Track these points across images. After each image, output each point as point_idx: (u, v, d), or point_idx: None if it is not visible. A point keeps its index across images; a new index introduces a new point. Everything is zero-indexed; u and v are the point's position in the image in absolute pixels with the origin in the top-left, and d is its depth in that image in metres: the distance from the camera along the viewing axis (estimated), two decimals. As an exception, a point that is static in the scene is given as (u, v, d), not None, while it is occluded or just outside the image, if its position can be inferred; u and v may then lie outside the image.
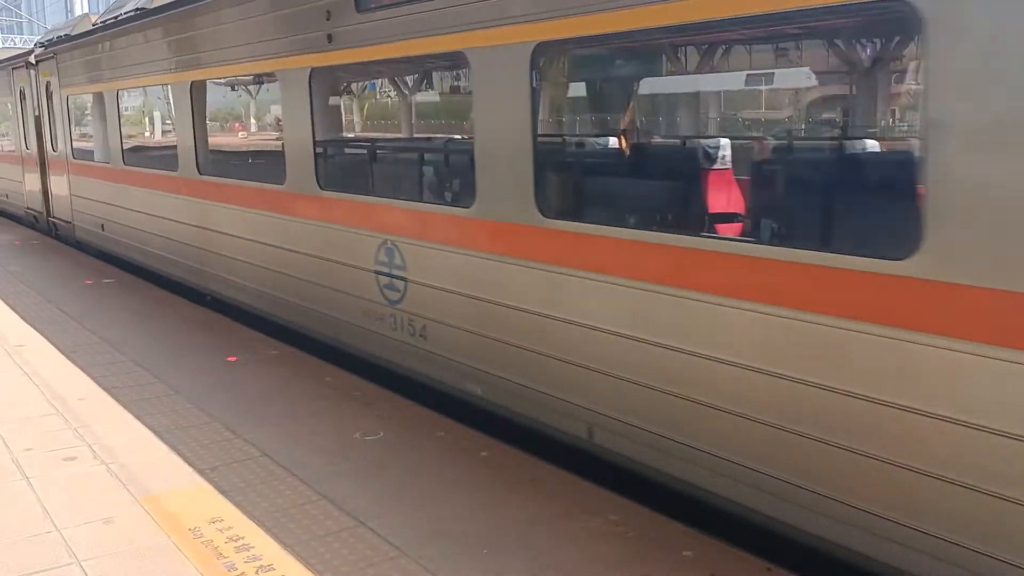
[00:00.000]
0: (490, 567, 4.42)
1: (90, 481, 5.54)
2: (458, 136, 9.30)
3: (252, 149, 12.13)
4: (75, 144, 15.30)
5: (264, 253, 9.10)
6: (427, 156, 8.63)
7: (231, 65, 9.52)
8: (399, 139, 11.06)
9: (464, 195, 6.47)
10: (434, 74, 9.85)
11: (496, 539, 4.71)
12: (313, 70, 7.88)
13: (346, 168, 9.01)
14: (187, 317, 10.08)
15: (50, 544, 4.72)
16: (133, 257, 13.05)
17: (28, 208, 18.94)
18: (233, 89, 11.54)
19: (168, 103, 11.57)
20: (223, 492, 5.33)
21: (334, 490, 5.35)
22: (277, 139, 9.57)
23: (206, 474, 5.61)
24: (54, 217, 16.94)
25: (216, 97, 11.54)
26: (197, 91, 10.51)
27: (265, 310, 9.36)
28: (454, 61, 7.29)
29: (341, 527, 4.87)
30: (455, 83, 9.55)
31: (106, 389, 7.37)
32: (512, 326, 5.97)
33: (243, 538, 4.74)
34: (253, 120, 12.60)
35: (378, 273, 7.26)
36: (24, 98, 18.34)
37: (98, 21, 14.30)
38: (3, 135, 21.37)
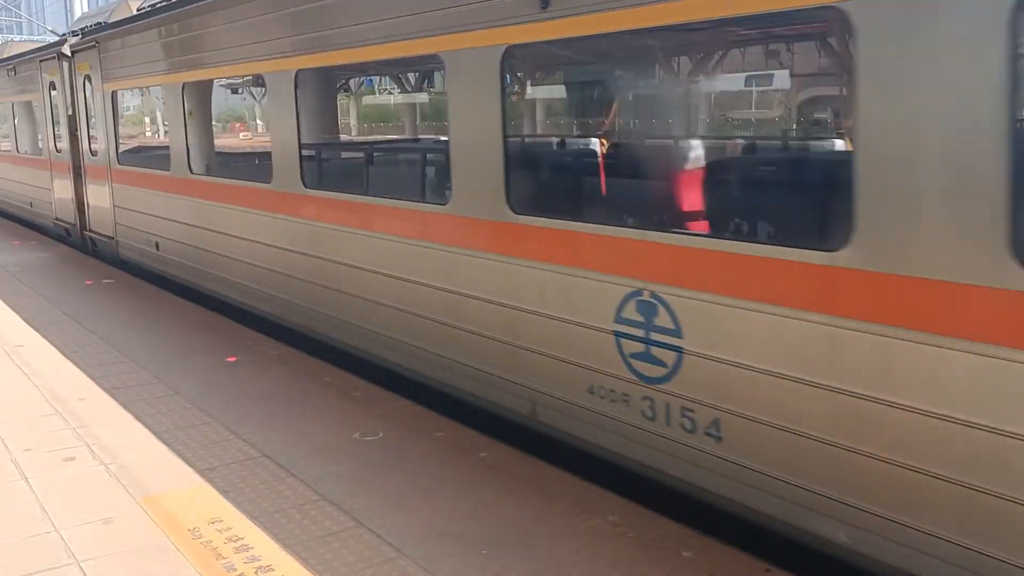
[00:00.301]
0: (490, 567, 4.43)
1: (89, 481, 5.54)
2: (786, 137, 6.42)
3: (377, 156, 9.60)
4: (121, 148, 13.00)
5: (408, 293, 6.95)
6: (728, 164, 6.29)
7: (362, 47, 7.10)
8: (664, 139, 8.00)
9: (819, 228, 4.53)
10: (748, 41, 6.56)
11: (496, 539, 4.71)
12: (509, 49, 5.79)
13: (563, 185, 6.72)
14: (187, 317, 10.07)
15: (49, 544, 4.72)
16: (204, 285, 10.79)
17: (57, 219, 16.47)
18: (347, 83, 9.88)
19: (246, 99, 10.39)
20: (222, 492, 5.33)
21: (333, 490, 5.35)
22: (420, 143, 8.02)
23: (206, 474, 5.61)
24: (91, 231, 14.65)
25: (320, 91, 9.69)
26: (304, 83, 8.37)
27: (405, 365, 7.27)
28: (807, 19, 4.84)
29: (340, 527, 4.87)
30: (793, 54, 6.39)
31: (106, 389, 7.37)
32: (942, 447, 3.71)
33: (242, 538, 4.73)
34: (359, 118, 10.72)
35: (622, 336, 5.10)
36: (54, 94, 15.96)
37: (145, 5, 12.16)
38: (26, 135, 18.85)
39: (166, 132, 11.50)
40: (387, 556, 4.55)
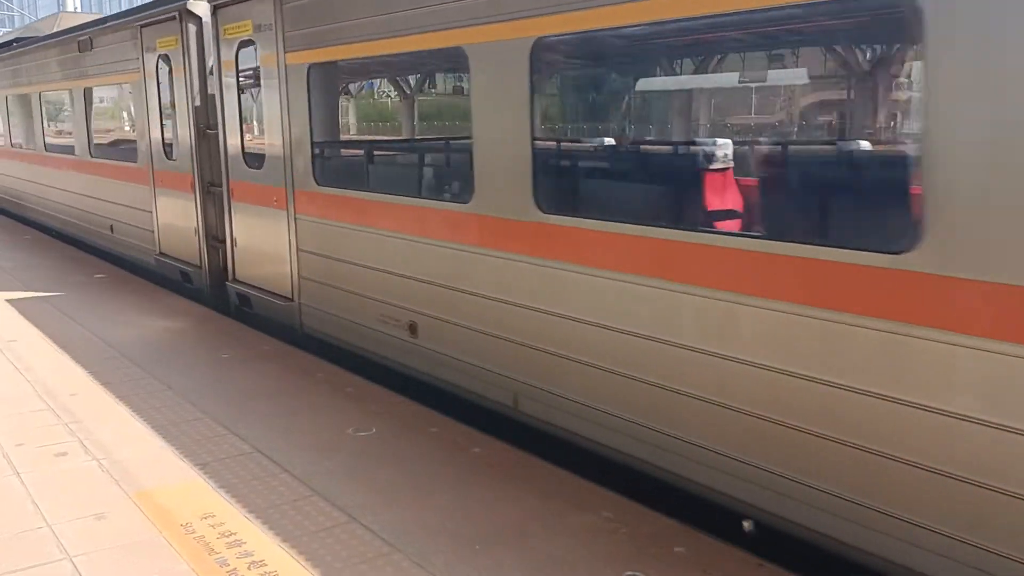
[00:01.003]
0: (483, 563, 4.43)
1: (82, 477, 5.52)
2: None
3: None
4: (319, 159, 8.15)
5: None
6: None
7: None
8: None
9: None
10: None
11: (490, 535, 4.71)
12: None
13: None
14: (180, 313, 10.04)
15: (41, 540, 4.71)
16: (596, 439, 5.56)
17: (164, 256, 11.54)
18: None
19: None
20: (215, 488, 5.32)
21: (327, 486, 5.35)
22: None
23: (198, 470, 5.60)
24: (239, 282, 9.64)
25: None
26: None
27: None
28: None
29: (333, 523, 4.87)
30: None
31: (98, 385, 7.36)
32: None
33: (235, 534, 4.73)
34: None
35: None
36: (169, 74, 10.84)
37: None
38: (105, 133, 13.98)
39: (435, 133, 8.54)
40: (380, 551, 4.55)
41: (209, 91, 10.11)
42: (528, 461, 5.67)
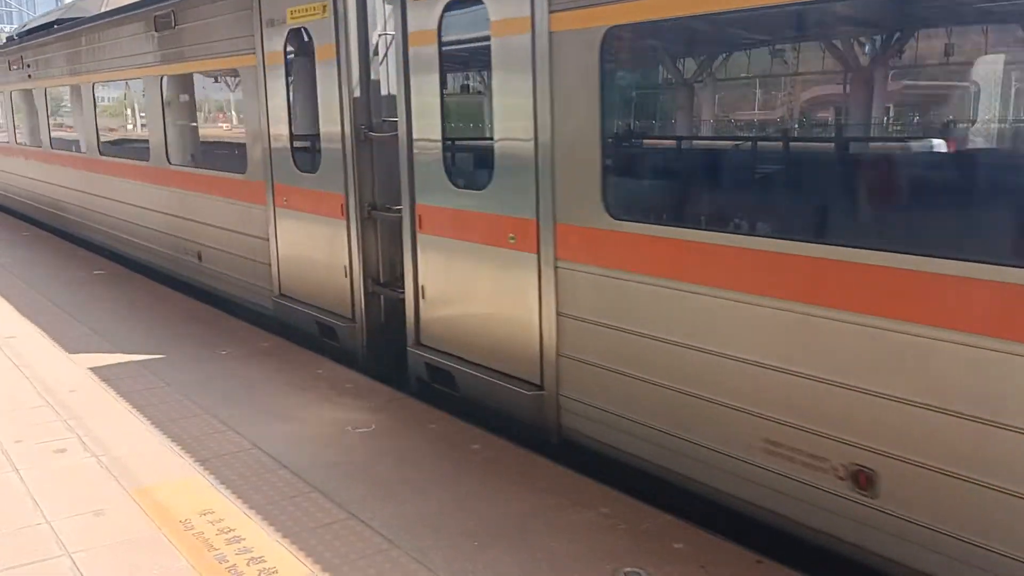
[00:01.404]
0: (482, 559, 4.43)
1: (81, 473, 5.53)
2: None
3: None
4: (619, 176, 5.35)
5: None
6: None
7: None
8: None
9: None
10: None
11: (488, 531, 4.71)
12: None
13: None
14: (179, 309, 10.04)
15: (40, 536, 4.71)
16: None
17: (285, 298, 8.91)
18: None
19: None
20: (214, 484, 5.32)
21: (325, 482, 5.35)
22: None
23: (198, 466, 5.60)
24: (430, 349, 6.92)
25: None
26: None
27: None
28: None
29: (332, 519, 4.87)
30: None
31: (97, 381, 7.35)
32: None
33: (234, 530, 4.73)
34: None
35: None
36: (303, 55, 8.31)
37: None
38: (189, 136, 11.13)
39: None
40: (379, 547, 4.55)
41: (372, 77, 7.64)
42: (526, 457, 5.67)
